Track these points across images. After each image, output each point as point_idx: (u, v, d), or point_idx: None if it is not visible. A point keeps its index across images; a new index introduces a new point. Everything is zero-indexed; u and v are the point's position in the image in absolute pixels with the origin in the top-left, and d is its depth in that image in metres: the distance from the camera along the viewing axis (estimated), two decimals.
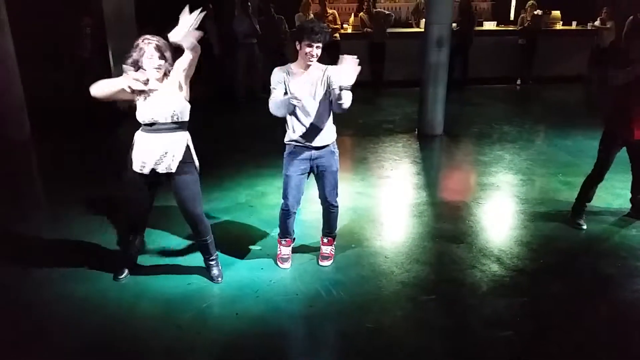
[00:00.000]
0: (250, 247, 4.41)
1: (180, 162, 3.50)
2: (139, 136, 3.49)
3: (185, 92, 3.46)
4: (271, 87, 3.60)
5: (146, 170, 3.48)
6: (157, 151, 3.44)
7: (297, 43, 3.54)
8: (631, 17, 11.00)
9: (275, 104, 3.51)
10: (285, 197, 3.86)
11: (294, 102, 3.40)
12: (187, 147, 3.55)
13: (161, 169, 3.48)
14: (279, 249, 4.11)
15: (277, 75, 3.60)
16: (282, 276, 3.96)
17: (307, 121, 3.64)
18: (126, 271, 3.95)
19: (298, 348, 3.39)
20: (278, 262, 4.08)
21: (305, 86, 3.57)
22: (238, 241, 4.50)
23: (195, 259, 4.09)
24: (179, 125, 3.46)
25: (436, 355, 3.23)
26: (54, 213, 5.22)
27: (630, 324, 3.49)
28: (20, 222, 4.91)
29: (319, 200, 4.02)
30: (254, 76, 9.72)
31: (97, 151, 7.12)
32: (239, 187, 5.71)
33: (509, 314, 3.56)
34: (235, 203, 5.31)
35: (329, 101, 3.62)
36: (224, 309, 3.58)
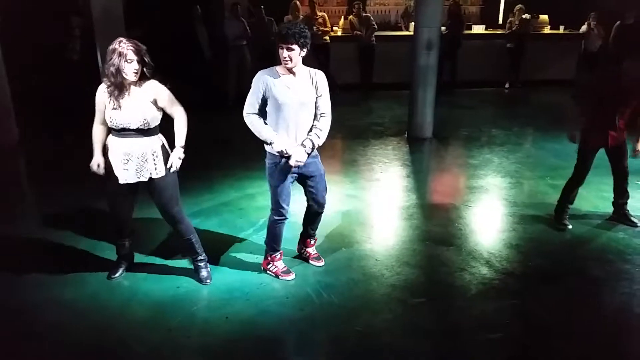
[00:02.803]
0: (240, 249, 4.40)
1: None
2: (111, 141, 3.51)
3: (159, 110, 3.50)
4: (250, 91, 3.55)
5: (129, 180, 3.49)
6: (130, 157, 3.45)
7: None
8: (618, 22, 11.15)
9: (255, 130, 3.54)
10: (279, 207, 3.73)
11: (288, 161, 3.49)
12: (163, 147, 3.56)
13: (146, 177, 3.50)
14: (274, 266, 3.97)
15: (259, 82, 3.51)
16: (272, 279, 3.95)
17: (293, 130, 3.56)
18: (120, 270, 3.95)
19: (288, 351, 3.38)
20: (282, 277, 3.94)
21: (290, 92, 3.49)
22: (228, 244, 4.48)
23: (185, 262, 4.08)
24: (146, 132, 3.45)
25: (426, 357, 3.24)
26: (42, 217, 5.18)
27: (618, 326, 3.53)
28: (8, 226, 4.86)
29: (298, 205, 3.97)
30: (244, 79, 9.69)
31: (86, 155, 7.06)
32: (229, 190, 5.70)
33: (498, 316, 3.58)
34: (225, 205, 5.30)
35: (315, 108, 3.60)
36: (214, 312, 3.57)
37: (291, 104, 3.49)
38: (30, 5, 8.86)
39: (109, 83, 3.34)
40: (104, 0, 8.40)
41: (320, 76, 3.59)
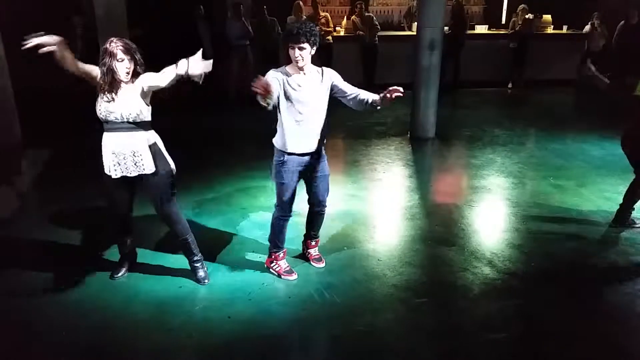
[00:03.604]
0: (243, 249, 4.40)
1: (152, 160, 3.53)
2: (104, 137, 3.50)
3: (147, 99, 3.49)
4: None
5: (118, 174, 3.49)
6: (121, 152, 3.44)
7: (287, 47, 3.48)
8: (622, 21, 11.13)
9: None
10: (283, 204, 3.76)
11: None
12: (155, 145, 3.55)
13: (134, 172, 3.50)
14: (277, 265, 3.97)
15: (273, 74, 3.48)
16: (275, 279, 3.95)
17: (309, 128, 3.57)
18: (122, 270, 3.95)
19: (290, 351, 3.37)
20: (284, 277, 3.94)
21: (302, 91, 3.49)
22: (230, 243, 4.48)
23: (186, 262, 4.07)
24: (136, 126, 3.44)
25: (428, 357, 3.23)
26: (43, 216, 5.18)
27: (621, 326, 3.51)
28: (9, 226, 4.87)
29: (304, 204, 3.97)
30: (246, 78, 9.70)
31: (88, 154, 7.07)
32: (231, 189, 5.70)
33: (500, 316, 3.57)
34: (227, 205, 5.29)
35: (327, 104, 3.63)
36: (216, 312, 3.56)
37: (303, 103, 3.50)
38: (33, 5, 8.89)
39: (101, 82, 3.35)
40: None
41: (328, 70, 3.63)
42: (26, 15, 8.80)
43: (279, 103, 3.53)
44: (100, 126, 3.50)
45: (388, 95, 3.44)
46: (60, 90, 8.61)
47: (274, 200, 3.84)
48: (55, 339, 3.33)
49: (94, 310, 3.59)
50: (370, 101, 3.59)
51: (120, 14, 8.63)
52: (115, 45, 3.30)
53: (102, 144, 3.51)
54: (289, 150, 3.60)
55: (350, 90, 3.66)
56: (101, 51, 3.33)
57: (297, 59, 3.43)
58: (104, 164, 3.52)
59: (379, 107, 3.58)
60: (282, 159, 3.64)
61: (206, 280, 3.88)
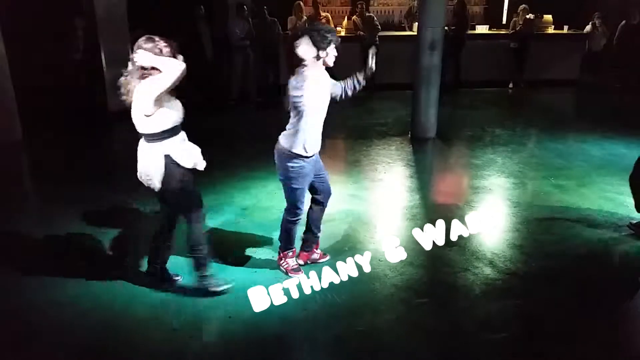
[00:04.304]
0: (243, 249, 4.39)
1: None
2: (174, 148, 3.39)
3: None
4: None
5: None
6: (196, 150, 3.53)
7: (321, 51, 3.50)
8: (623, 21, 11.13)
9: None
10: (297, 208, 3.79)
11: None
12: None
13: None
14: (286, 262, 3.98)
15: (309, 87, 3.49)
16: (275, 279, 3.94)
17: (320, 129, 3.67)
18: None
19: (291, 351, 3.37)
20: (292, 274, 3.91)
21: (324, 93, 3.60)
22: (231, 244, 4.48)
23: (186, 261, 4.06)
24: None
25: (428, 357, 3.23)
26: (43, 216, 5.19)
27: (622, 328, 3.51)
28: (11, 225, 4.87)
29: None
30: (247, 79, 9.71)
31: (89, 153, 7.08)
32: (232, 190, 5.69)
33: (501, 316, 3.56)
34: (228, 205, 5.29)
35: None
36: (217, 312, 3.56)
37: (324, 104, 3.62)
38: (34, 6, 8.89)
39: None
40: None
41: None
42: (27, 15, 8.82)
43: (303, 108, 3.49)
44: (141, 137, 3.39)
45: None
46: (61, 90, 8.65)
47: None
48: (55, 339, 3.33)
49: (94, 309, 3.59)
50: (356, 79, 3.83)
51: (121, 14, 8.64)
52: (163, 45, 3.18)
53: (177, 156, 3.43)
54: (309, 154, 3.62)
55: (339, 82, 3.85)
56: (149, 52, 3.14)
57: (334, 59, 3.58)
58: (189, 162, 3.51)
59: (365, 81, 3.87)
60: (301, 163, 3.64)
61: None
